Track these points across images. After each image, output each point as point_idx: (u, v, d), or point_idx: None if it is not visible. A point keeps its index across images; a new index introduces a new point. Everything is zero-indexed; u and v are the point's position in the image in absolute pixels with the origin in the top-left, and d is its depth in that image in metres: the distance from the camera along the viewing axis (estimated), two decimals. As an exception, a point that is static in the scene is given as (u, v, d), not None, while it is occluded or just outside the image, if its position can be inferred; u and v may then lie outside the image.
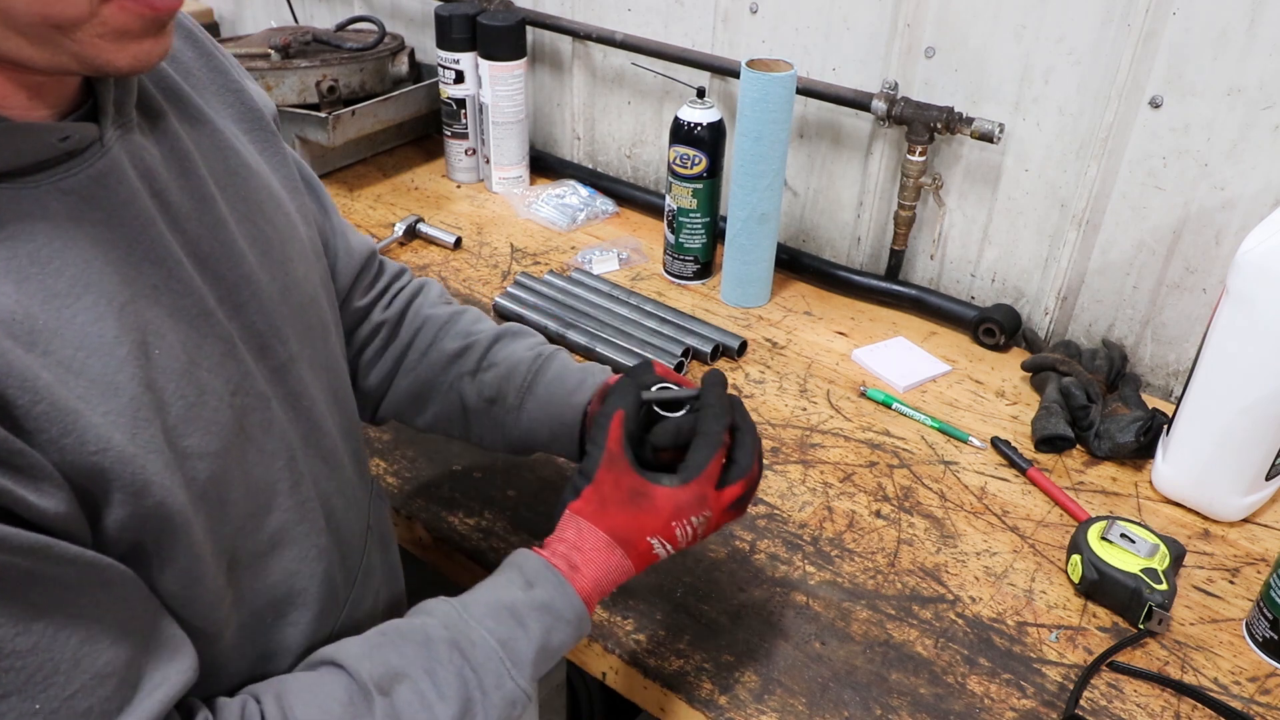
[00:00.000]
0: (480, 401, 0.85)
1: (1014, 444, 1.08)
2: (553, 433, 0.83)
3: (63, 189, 0.52)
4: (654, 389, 0.75)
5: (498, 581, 0.68)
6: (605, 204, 1.56)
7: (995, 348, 1.25)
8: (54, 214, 0.51)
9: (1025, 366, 1.19)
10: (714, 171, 1.31)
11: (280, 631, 0.66)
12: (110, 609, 0.51)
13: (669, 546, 0.70)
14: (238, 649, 0.63)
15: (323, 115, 1.47)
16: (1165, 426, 1.04)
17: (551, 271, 1.36)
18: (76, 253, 0.51)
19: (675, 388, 0.76)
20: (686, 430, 0.75)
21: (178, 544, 0.55)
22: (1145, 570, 0.86)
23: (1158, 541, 0.89)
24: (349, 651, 0.62)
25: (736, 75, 1.35)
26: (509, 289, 1.31)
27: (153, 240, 0.56)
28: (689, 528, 0.70)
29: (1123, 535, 0.89)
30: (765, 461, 1.04)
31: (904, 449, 1.08)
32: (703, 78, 1.44)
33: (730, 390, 1.14)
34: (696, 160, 1.29)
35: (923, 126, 1.22)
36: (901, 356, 1.23)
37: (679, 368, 1.17)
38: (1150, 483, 1.04)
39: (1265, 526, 0.99)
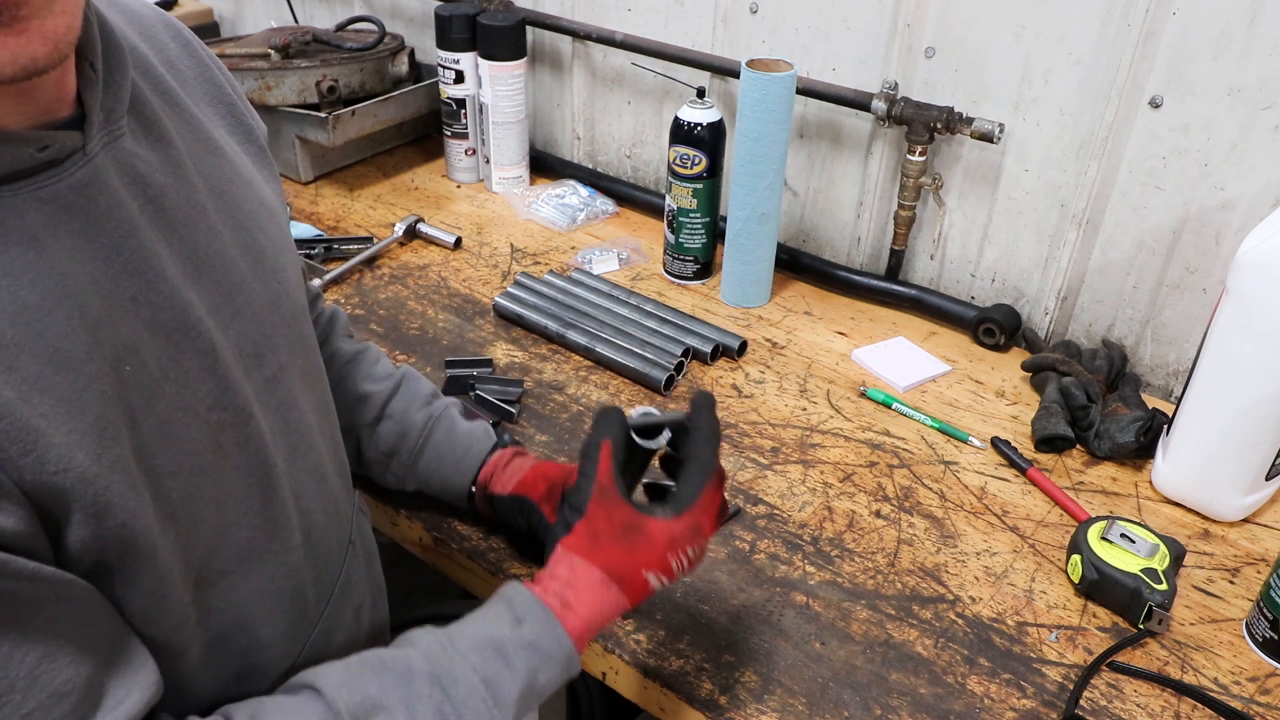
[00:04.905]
0: (377, 454, 0.91)
1: (1014, 444, 1.08)
2: (444, 490, 0.92)
3: (41, 198, 0.51)
4: (637, 413, 0.74)
5: (486, 615, 0.66)
6: (605, 204, 1.56)
7: (995, 348, 1.25)
8: (30, 224, 0.50)
9: (1025, 366, 1.19)
10: (714, 171, 1.31)
11: (249, 649, 0.65)
12: (70, 626, 0.50)
13: (664, 579, 0.69)
14: (206, 668, 0.62)
15: (323, 115, 1.47)
16: (1165, 426, 1.04)
17: (551, 271, 1.36)
18: (51, 265, 0.50)
19: (657, 413, 0.75)
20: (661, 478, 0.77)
21: (142, 563, 0.54)
22: (1145, 570, 0.86)
23: (1158, 541, 0.89)
24: (329, 678, 0.61)
25: (736, 75, 1.35)
26: (509, 289, 1.31)
27: (134, 251, 0.55)
28: (684, 559, 0.69)
29: (1123, 535, 0.89)
30: (765, 461, 1.04)
31: (904, 449, 1.08)
32: (703, 78, 1.44)
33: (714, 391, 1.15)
34: (696, 160, 1.29)
35: (923, 126, 1.22)
36: (901, 356, 1.23)
37: (679, 368, 1.17)
38: (1150, 483, 1.04)
39: (1265, 526, 0.99)
